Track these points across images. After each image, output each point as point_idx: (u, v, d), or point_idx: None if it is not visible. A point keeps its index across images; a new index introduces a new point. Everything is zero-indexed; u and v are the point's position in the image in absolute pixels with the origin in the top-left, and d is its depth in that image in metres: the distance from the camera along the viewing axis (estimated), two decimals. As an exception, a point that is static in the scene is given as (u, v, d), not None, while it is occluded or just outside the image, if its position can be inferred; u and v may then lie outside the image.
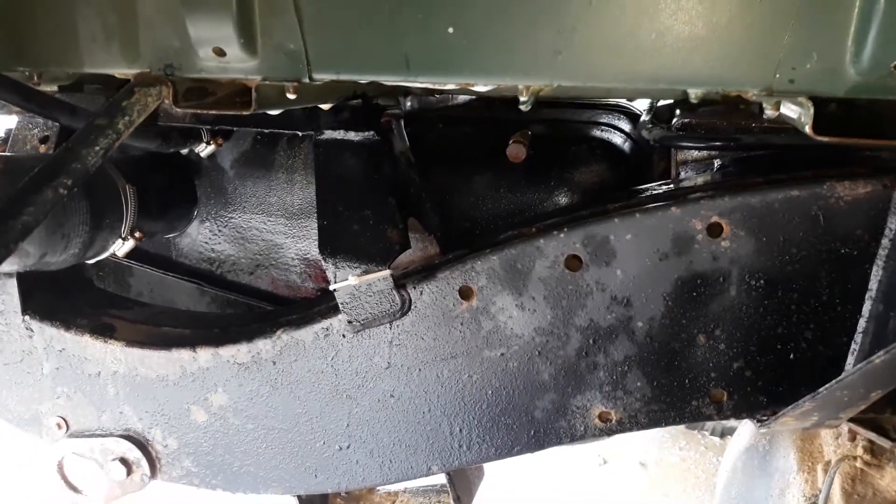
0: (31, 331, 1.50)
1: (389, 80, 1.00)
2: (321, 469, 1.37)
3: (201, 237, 1.70)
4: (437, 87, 1.07)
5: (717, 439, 4.02)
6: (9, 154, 1.51)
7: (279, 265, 1.66)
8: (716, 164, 1.39)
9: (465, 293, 1.25)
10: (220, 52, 1.01)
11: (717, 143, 1.31)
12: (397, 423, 1.32)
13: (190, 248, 1.71)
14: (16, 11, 1.10)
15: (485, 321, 1.25)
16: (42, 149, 1.57)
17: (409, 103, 1.58)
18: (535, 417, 1.25)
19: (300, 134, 1.45)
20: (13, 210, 0.89)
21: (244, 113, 1.07)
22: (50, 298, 1.54)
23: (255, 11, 0.98)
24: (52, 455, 1.57)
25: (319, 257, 1.63)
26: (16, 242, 0.88)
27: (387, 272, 1.25)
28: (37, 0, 1.07)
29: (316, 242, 1.63)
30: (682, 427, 3.84)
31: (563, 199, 1.50)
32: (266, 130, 1.47)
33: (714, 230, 1.16)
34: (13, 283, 1.47)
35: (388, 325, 1.29)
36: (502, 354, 1.25)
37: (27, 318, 1.50)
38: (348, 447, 1.35)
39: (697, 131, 1.30)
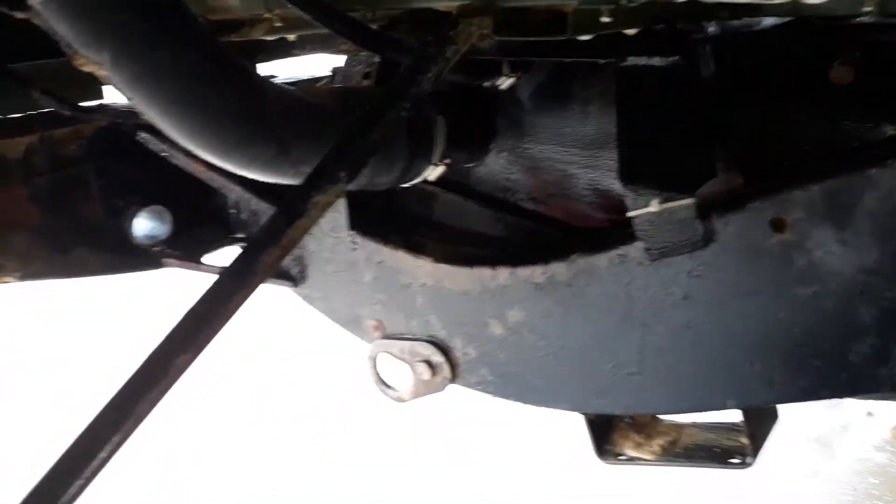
0: (356, 244, 1.72)
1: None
2: (610, 391, 1.42)
3: (497, 167, 1.79)
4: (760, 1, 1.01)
5: None
6: (343, 86, 1.71)
7: (571, 194, 1.71)
8: None
9: (778, 225, 1.19)
10: (541, -21, 1.05)
11: None
12: (692, 355, 1.31)
13: (487, 176, 1.82)
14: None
15: (798, 256, 1.18)
16: (365, 83, 1.76)
17: (712, 28, 1.50)
18: (850, 361, 1.16)
19: (600, 62, 1.45)
20: (366, 129, 1.02)
21: (559, 38, 1.10)
22: (370, 217, 1.74)
23: (577, -65, 1.00)
24: (368, 352, 1.81)
25: (611, 188, 1.65)
26: (368, 158, 1.02)
27: (690, 200, 1.23)
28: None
29: (609, 173, 1.64)
30: None
31: (889, 128, 1.34)
32: (567, 60, 1.50)
33: None
34: (342, 202, 1.69)
35: (687, 255, 1.27)
36: (815, 292, 1.17)
37: (353, 232, 1.71)
38: (639, 373, 1.37)
39: None
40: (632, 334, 1.36)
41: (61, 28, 0.96)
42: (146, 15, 1.01)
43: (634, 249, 1.34)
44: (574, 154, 1.68)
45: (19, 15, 0.92)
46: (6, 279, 1.61)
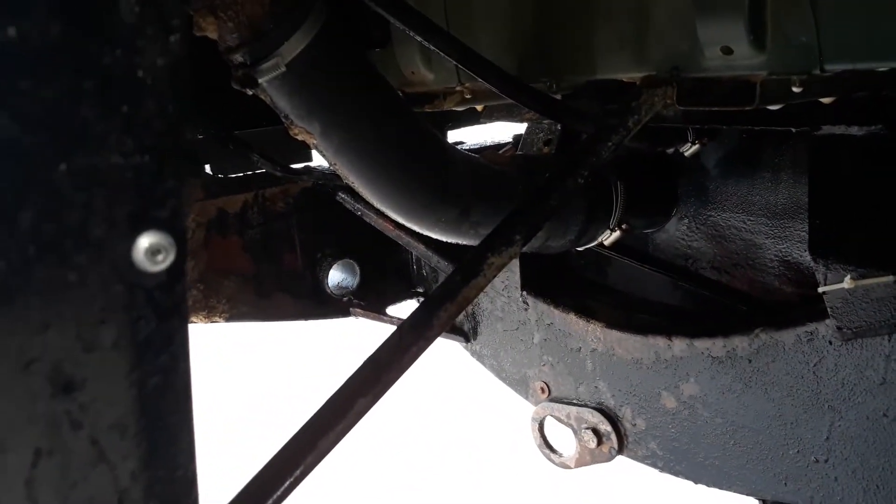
0: (527, 304, 1.75)
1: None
2: (792, 478, 1.32)
3: (678, 233, 1.76)
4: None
5: None
6: (525, 153, 1.78)
7: (757, 266, 1.63)
8: None
9: None
10: (728, 51, 1.04)
11: None
12: (889, 446, 1.19)
13: (666, 243, 1.79)
14: (546, 33, 1.30)
15: None
16: (545, 150, 1.81)
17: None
18: None
19: (793, 130, 1.40)
20: (544, 195, 1.06)
21: (746, 108, 1.09)
22: (542, 278, 1.77)
23: (766, 8, 0.99)
24: (535, 415, 1.81)
25: (801, 261, 1.56)
26: (544, 222, 1.06)
27: (891, 278, 1.14)
28: (563, 21, 1.25)
29: (799, 245, 1.56)
30: None
31: None
32: (756, 128, 1.46)
33: None
34: (516, 262, 1.74)
35: (886, 337, 1.18)
36: None
37: (524, 293, 1.75)
38: (826, 461, 1.27)
39: None
40: (819, 418, 1.27)
41: (281, 102, 1.10)
42: (352, 92, 1.13)
43: (825, 327, 1.26)
44: (762, 223, 1.62)
45: (249, 92, 1.07)
46: (216, 319, 1.81)
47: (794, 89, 1.04)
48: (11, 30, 0.38)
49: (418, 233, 1.43)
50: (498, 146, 1.99)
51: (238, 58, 1.03)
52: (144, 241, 0.50)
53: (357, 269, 1.97)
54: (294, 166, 1.71)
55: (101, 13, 0.41)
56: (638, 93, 1.15)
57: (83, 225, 0.46)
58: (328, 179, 1.74)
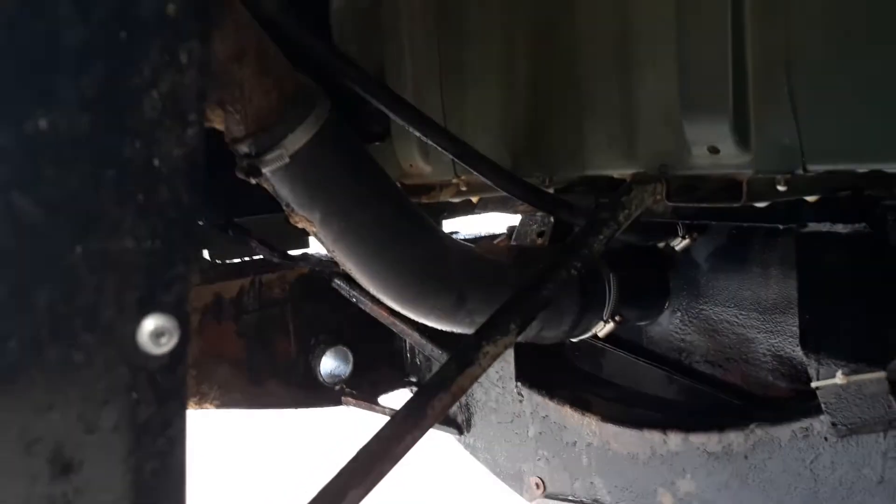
0: (522, 396, 1.74)
1: (893, 169, 0.96)
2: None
3: (672, 326, 1.77)
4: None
5: None
6: (519, 244, 1.81)
7: (750, 360, 1.64)
8: None
9: None
10: (714, 150, 1.08)
11: None
12: (890, 548, 1.17)
13: (660, 336, 1.80)
14: (539, 130, 1.36)
15: None
16: (538, 241, 1.85)
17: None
18: None
19: (780, 227, 1.44)
20: (538, 285, 1.08)
21: (733, 206, 1.12)
22: (537, 370, 1.77)
23: (749, 110, 1.04)
24: (531, 512, 1.77)
25: (794, 356, 1.57)
26: (538, 312, 1.07)
27: (882, 374, 1.15)
28: (555, 119, 1.31)
29: (791, 340, 1.57)
30: None
31: None
32: (745, 224, 1.50)
33: None
34: (511, 352, 1.74)
35: (881, 434, 1.17)
36: None
37: (519, 384, 1.74)
38: (827, 563, 1.24)
39: None
40: (819, 519, 1.25)
41: (283, 191, 1.13)
42: (352, 182, 1.17)
43: (820, 423, 1.26)
44: (753, 318, 1.63)
45: (253, 181, 1.11)
46: (207, 406, 1.79)
47: (780, 188, 1.08)
48: (43, 122, 0.40)
49: (413, 321, 1.44)
50: (492, 237, 2.02)
51: (243, 148, 1.07)
52: (150, 324, 0.51)
53: (350, 356, 1.96)
54: (291, 253, 1.73)
55: (125, 108, 0.44)
56: (628, 188, 1.19)
57: (94, 307, 0.47)
58: (325, 266, 1.76)
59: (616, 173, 1.24)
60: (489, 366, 1.04)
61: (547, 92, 1.29)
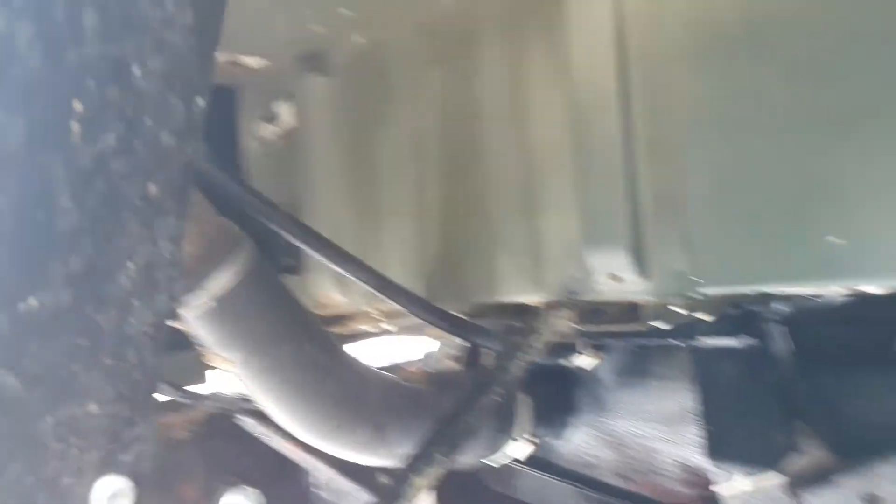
0: (440, 526, 1.72)
1: (775, 290, 1.07)
2: None
3: (581, 442, 1.82)
4: (820, 291, 1.11)
5: None
6: (436, 371, 1.84)
7: (656, 470, 1.70)
8: None
9: (872, 501, 1.17)
10: (616, 279, 1.18)
11: None
12: None
13: (570, 452, 1.84)
14: (450, 257, 1.43)
15: (902, 535, 1.15)
16: (453, 365, 1.88)
17: (784, 307, 1.60)
18: None
19: (678, 343, 1.54)
20: (461, 413, 1.10)
21: (637, 328, 1.21)
22: (456, 495, 1.76)
23: (646, 244, 1.14)
24: None
25: (697, 464, 1.65)
26: (464, 440, 1.09)
27: (779, 477, 1.23)
28: (467, 248, 1.38)
29: (692, 449, 1.65)
30: None
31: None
32: (645, 342, 1.60)
33: None
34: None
35: (786, 535, 1.25)
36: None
37: (437, 513, 1.72)
38: None
39: None
40: None
41: (203, 332, 1.12)
42: (273, 321, 1.17)
43: (730, 530, 1.31)
44: (657, 430, 1.71)
45: (172, 323, 1.09)
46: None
47: (677, 310, 1.18)
48: (34, 301, 0.41)
49: (326, 455, 1.41)
50: (409, 363, 2.04)
51: (165, 291, 1.06)
52: (106, 487, 0.50)
53: (259, 497, 1.88)
54: (199, 392, 1.68)
55: (105, 281, 0.45)
56: (539, 314, 1.26)
57: (57, 475, 0.46)
58: (234, 404, 1.71)
59: (529, 300, 1.31)
60: (417, 497, 1.04)
61: (459, 228, 1.37)
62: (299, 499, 1.97)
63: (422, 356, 2.03)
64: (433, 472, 1.04)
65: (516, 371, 1.18)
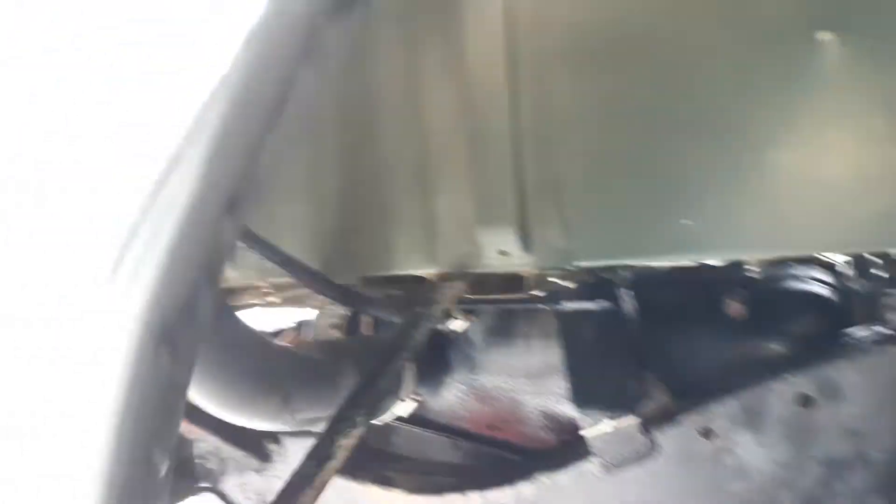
0: (327, 483, 1.83)
1: (638, 263, 1.29)
2: None
3: (454, 397, 2.00)
4: (672, 264, 1.34)
5: None
6: (328, 340, 1.93)
7: (522, 420, 1.92)
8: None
9: (707, 434, 1.45)
10: (504, 253, 1.34)
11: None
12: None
13: (444, 407, 2.01)
14: (346, 232, 1.52)
15: (727, 458, 1.43)
16: (333, 332, 1.98)
17: (630, 275, 1.85)
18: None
19: (543, 307, 1.75)
20: (376, 377, 1.23)
21: (519, 296, 1.39)
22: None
23: (531, 223, 1.31)
24: None
25: (558, 412, 1.88)
26: (380, 402, 1.22)
27: (634, 418, 1.47)
28: (364, 226, 1.48)
29: (553, 399, 1.88)
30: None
31: (778, 347, 1.67)
32: (513, 307, 1.79)
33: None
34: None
35: (638, 466, 1.49)
36: (747, 487, 1.41)
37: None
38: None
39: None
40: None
41: None
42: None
43: (590, 464, 1.55)
44: (521, 383, 1.92)
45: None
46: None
47: (553, 280, 1.37)
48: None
49: (212, 425, 1.47)
50: (281, 331, 2.11)
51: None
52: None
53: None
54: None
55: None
56: (434, 285, 1.40)
57: None
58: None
59: (423, 272, 1.44)
60: (345, 457, 1.15)
61: (355, 206, 1.47)
62: (179, 470, 1.99)
63: (294, 324, 2.10)
64: (357, 433, 1.16)
65: (420, 337, 1.32)
